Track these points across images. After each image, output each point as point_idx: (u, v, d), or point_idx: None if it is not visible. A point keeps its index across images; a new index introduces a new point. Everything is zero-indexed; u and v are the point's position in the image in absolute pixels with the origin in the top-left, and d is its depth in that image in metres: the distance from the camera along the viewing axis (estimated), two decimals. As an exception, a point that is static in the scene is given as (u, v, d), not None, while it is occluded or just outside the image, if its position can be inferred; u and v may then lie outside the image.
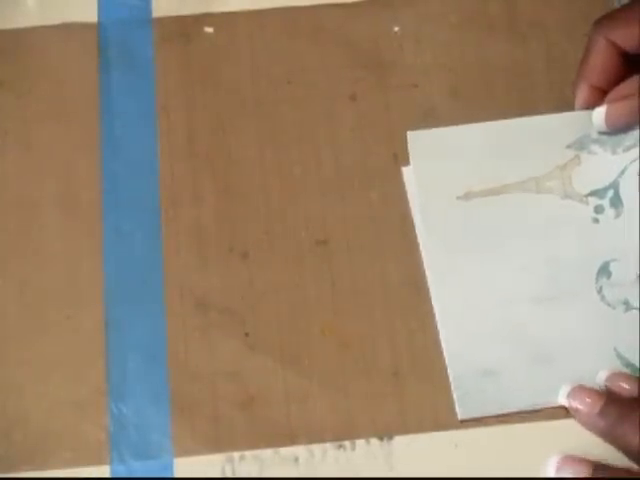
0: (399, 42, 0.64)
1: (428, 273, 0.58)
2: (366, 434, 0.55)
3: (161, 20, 0.64)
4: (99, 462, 0.54)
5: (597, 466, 0.53)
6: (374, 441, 0.55)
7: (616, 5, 0.63)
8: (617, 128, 0.59)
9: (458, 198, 0.60)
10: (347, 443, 0.55)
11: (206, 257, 0.59)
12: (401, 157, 0.61)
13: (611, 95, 0.58)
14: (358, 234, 0.59)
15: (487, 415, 0.55)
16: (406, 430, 0.55)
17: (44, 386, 0.56)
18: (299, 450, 0.55)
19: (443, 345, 0.57)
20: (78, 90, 0.62)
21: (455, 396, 0.56)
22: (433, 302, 0.58)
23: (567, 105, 0.61)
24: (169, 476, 0.54)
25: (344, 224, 0.60)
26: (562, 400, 0.55)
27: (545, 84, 0.63)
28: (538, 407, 0.55)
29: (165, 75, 0.63)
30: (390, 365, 0.57)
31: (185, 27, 0.64)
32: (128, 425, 0.55)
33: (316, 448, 0.55)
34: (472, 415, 0.55)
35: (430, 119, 0.61)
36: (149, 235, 0.59)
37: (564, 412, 0.55)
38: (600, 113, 0.59)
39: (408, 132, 0.61)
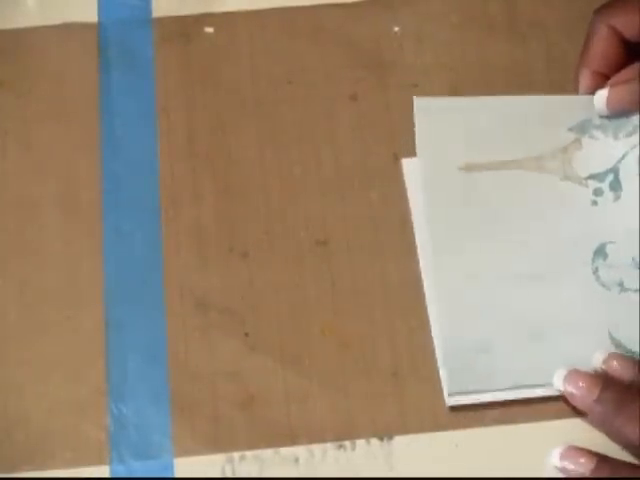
0: (399, 42, 0.64)
1: (426, 243, 0.58)
2: (366, 434, 0.55)
3: (161, 20, 0.64)
4: (99, 462, 0.54)
5: (600, 458, 0.53)
6: (374, 441, 0.55)
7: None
8: (618, 112, 0.60)
9: (459, 169, 0.60)
10: (347, 443, 0.55)
11: (206, 257, 0.59)
12: (401, 157, 0.61)
13: (613, 79, 0.59)
14: (358, 234, 0.59)
15: (475, 391, 0.55)
16: (406, 430, 0.55)
17: (44, 386, 0.56)
18: (299, 450, 0.55)
19: (431, 318, 0.57)
20: (78, 90, 0.62)
21: (442, 372, 0.56)
22: (425, 274, 0.58)
23: (567, 104, 0.61)
24: (169, 476, 0.54)
25: (344, 224, 0.60)
26: (557, 384, 0.55)
27: (545, 84, 0.63)
28: (527, 385, 0.55)
29: (165, 75, 0.63)
30: (390, 365, 0.57)
31: (185, 27, 0.64)
32: (128, 425, 0.55)
33: (316, 448, 0.55)
34: (460, 390, 0.55)
35: (430, 119, 0.61)
36: (149, 235, 0.59)
37: (565, 412, 0.55)
38: (602, 96, 0.59)
39: (415, 97, 0.61)
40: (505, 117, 0.61)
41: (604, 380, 0.54)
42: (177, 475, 0.54)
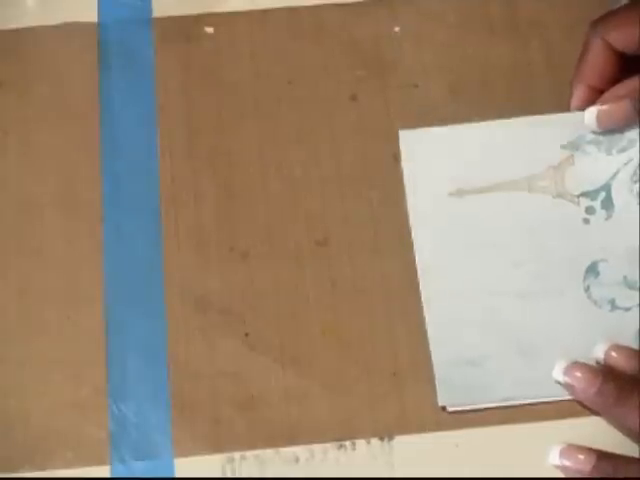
0: (399, 42, 0.64)
1: (417, 264, 0.58)
2: (366, 434, 0.55)
3: (161, 20, 0.64)
4: (99, 462, 0.54)
5: (601, 455, 0.53)
6: (374, 441, 0.55)
7: (615, 7, 0.63)
8: (609, 128, 0.60)
9: (450, 195, 0.60)
10: (347, 443, 0.55)
11: (206, 257, 0.59)
12: (401, 157, 0.61)
13: (605, 96, 0.59)
14: (358, 234, 0.59)
15: (468, 405, 0.55)
16: (406, 430, 0.55)
17: (44, 386, 0.56)
18: (300, 450, 0.55)
19: (428, 333, 0.57)
20: (78, 90, 0.62)
21: (437, 383, 0.56)
22: (420, 290, 0.57)
23: (567, 105, 0.61)
24: (169, 476, 0.54)
25: (344, 224, 0.60)
26: (557, 376, 0.55)
27: (545, 84, 0.63)
28: (519, 400, 0.55)
29: (165, 75, 0.63)
30: (390, 365, 0.57)
31: (185, 27, 0.64)
32: (128, 425, 0.55)
33: (317, 448, 0.55)
34: (453, 403, 0.55)
35: (430, 119, 0.61)
36: (149, 235, 0.59)
37: (565, 412, 0.55)
38: (592, 113, 0.59)
39: (400, 131, 0.61)
40: (496, 141, 0.60)
41: (604, 372, 0.54)
42: (177, 475, 0.54)
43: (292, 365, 0.56)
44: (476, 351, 0.56)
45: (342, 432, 0.55)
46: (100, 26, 0.64)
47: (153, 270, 0.58)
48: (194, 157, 0.61)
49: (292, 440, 0.55)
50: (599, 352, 0.55)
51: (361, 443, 0.55)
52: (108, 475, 0.54)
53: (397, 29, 0.64)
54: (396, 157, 0.61)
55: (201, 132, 0.62)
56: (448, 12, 0.64)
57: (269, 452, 0.55)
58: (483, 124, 0.61)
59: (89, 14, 0.64)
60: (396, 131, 0.61)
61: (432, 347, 0.56)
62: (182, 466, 0.54)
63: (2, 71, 0.63)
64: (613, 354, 0.55)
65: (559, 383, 0.55)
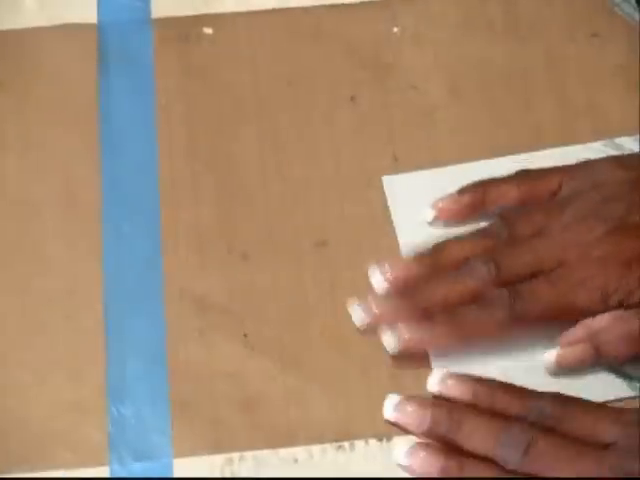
0: (399, 43, 0.64)
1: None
2: (365, 435, 0.55)
3: (161, 20, 0.64)
4: (98, 463, 0.54)
5: (448, 454, 0.50)
6: (373, 442, 0.55)
7: (615, 7, 0.63)
8: (568, 370, 0.56)
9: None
10: (346, 444, 0.55)
11: (206, 258, 0.59)
12: (401, 158, 0.61)
13: (563, 338, 0.56)
14: (358, 234, 0.59)
15: None
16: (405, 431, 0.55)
17: (44, 387, 0.56)
18: (298, 451, 0.55)
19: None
20: (78, 90, 0.63)
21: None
22: None
23: (567, 104, 0.61)
24: (169, 477, 0.54)
25: (344, 224, 0.60)
26: (387, 414, 0.53)
27: (545, 84, 0.63)
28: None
29: (165, 75, 0.63)
30: (389, 366, 0.56)
31: (185, 27, 0.64)
32: (128, 426, 0.55)
33: (315, 449, 0.55)
34: None
35: (430, 120, 0.61)
36: (149, 235, 0.59)
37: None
38: (551, 355, 0.56)
39: (383, 177, 0.60)
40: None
41: (434, 402, 0.52)
42: (176, 476, 0.54)
43: (291, 366, 0.56)
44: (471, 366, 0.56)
45: (341, 433, 0.55)
46: (100, 27, 0.64)
47: (153, 270, 0.58)
48: (194, 157, 0.61)
49: (291, 441, 0.55)
50: (432, 384, 0.53)
51: (360, 444, 0.55)
52: (107, 476, 0.54)
53: (396, 30, 0.64)
54: (396, 158, 0.61)
55: (201, 132, 0.62)
56: (448, 13, 0.64)
57: (268, 453, 0.55)
58: (464, 165, 0.60)
59: (89, 15, 0.64)
60: (396, 132, 0.61)
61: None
62: (181, 467, 0.54)
63: (2, 71, 0.63)
64: (445, 382, 0.53)
65: (389, 422, 0.53)
